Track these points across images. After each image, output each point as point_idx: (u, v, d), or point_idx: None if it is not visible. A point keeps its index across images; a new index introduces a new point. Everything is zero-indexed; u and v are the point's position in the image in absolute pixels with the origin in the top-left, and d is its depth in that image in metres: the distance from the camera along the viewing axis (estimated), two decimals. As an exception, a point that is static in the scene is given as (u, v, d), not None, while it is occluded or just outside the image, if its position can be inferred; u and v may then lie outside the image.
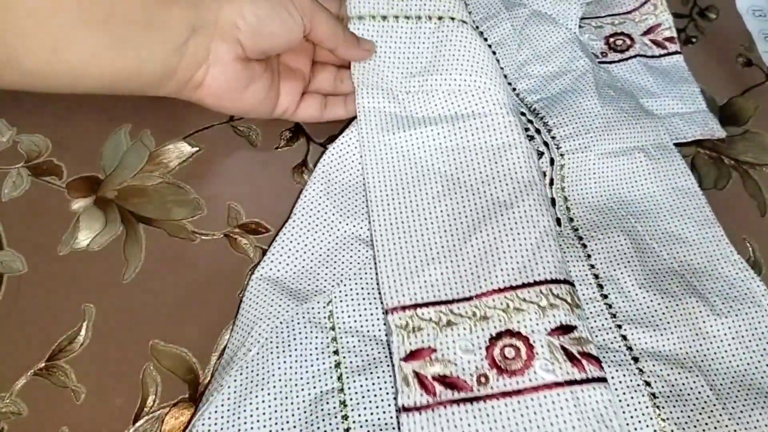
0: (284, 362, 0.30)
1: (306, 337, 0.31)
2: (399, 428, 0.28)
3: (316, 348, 0.31)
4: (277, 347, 0.31)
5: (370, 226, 0.33)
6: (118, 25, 0.30)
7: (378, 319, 0.32)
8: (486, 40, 0.42)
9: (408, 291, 0.30)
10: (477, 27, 0.42)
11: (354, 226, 0.34)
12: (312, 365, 0.30)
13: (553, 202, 0.35)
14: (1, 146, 0.38)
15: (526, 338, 0.29)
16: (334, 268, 0.33)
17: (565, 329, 0.29)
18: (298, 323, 0.31)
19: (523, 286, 0.30)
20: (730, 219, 0.37)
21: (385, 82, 0.37)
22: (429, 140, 0.36)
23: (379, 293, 0.31)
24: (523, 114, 0.39)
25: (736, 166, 0.39)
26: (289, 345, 0.31)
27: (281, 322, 0.31)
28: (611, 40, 0.44)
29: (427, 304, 0.30)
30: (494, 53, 0.41)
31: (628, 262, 0.33)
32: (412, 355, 0.29)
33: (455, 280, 0.31)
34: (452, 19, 0.37)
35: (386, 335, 0.31)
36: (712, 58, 0.44)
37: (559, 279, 0.30)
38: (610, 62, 0.43)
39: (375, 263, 0.32)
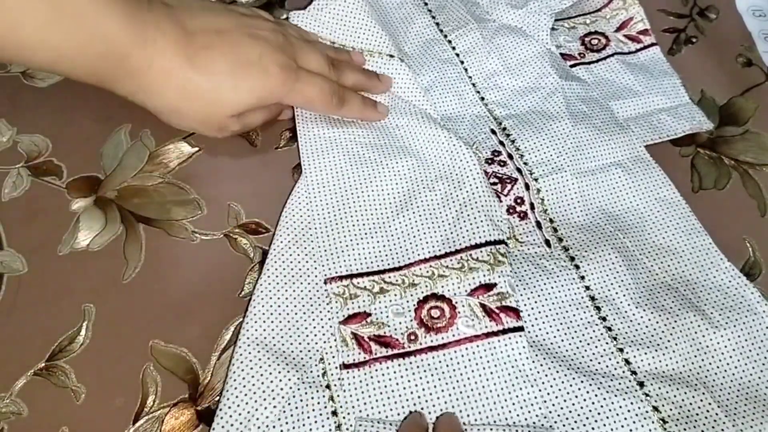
0: (282, 429, 0.29)
1: (301, 400, 0.30)
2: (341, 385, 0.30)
3: (314, 410, 0.30)
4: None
5: (310, 205, 0.35)
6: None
7: None
8: (454, 48, 0.43)
9: (344, 263, 0.33)
10: (446, 36, 0.43)
11: (328, 269, 0.34)
12: (311, 430, 0.29)
13: (539, 225, 0.36)
14: (1, 146, 0.38)
15: (449, 300, 0.32)
16: (321, 320, 0.32)
17: (485, 287, 0.32)
18: (292, 387, 0.30)
19: (446, 255, 0.33)
20: (730, 219, 0.37)
21: None
22: (359, 136, 0.38)
23: (320, 264, 0.33)
24: (493, 132, 0.39)
25: (736, 166, 0.39)
26: (284, 410, 0.29)
27: (288, 402, 0.30)
28: (587, 39, 0.44)
29: (361, 275, 0.33)
30: (462, 62, 0.42)
31: (622, 280, 0.33)
32: (349, 319, 0.32)
33: (386, 253, 0.34)
34: (380, 53, 0.41)
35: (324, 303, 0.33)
36: (712, 58, 0.44)
37: (480, 243, 0.33)
38: (589, 63, 0.43)
39: (314, 239, 0.34)
